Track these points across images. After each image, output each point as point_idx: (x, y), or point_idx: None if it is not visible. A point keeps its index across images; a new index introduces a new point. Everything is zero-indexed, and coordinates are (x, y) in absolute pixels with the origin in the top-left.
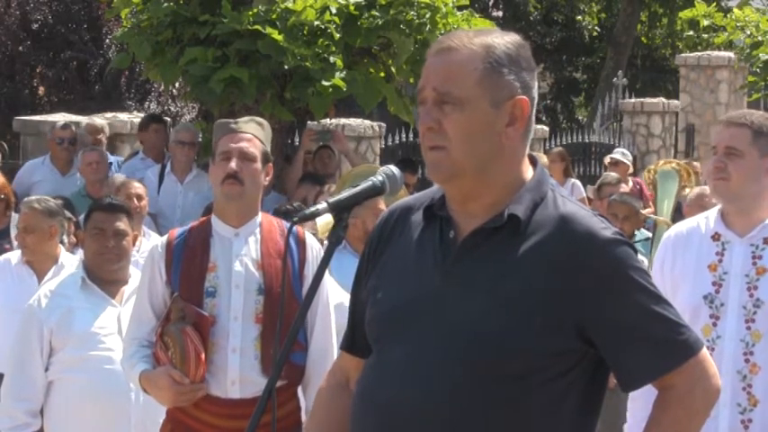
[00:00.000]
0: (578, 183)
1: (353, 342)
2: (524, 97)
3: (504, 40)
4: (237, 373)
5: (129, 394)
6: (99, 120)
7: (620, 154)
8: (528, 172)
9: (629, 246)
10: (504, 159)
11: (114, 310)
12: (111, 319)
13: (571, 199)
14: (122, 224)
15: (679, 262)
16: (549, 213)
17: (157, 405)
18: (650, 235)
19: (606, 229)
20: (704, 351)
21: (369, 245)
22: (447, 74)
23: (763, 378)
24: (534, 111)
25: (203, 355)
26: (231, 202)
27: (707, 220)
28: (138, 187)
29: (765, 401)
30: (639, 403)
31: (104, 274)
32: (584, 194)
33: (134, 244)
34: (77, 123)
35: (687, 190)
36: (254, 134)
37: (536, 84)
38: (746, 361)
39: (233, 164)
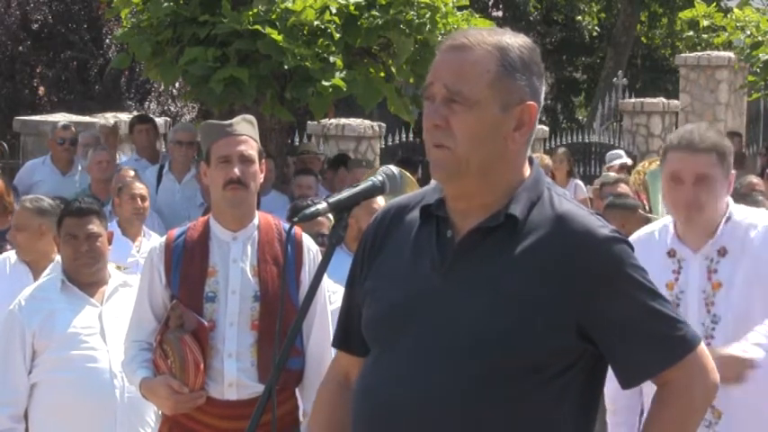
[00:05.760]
0: (581, 183)
1: (349, 342)
2: (533, 103)
3: (518, 44)
4: (234, 378)
5: (114, 391)
6: (112, 119)
7: (621, 156)
8: (526, 172)
9: (626, 243)
10: (508, 162)
11: (95, 309)
12: (93, 318)
13: (567, 197)
14: (94, 226)
15: None
16: (545, 212)
17: (143, 402)
18: None
19: (603, 228)
20: (702, 346)
21: (363, 244)
22: (459, 72)
23: (724, 391)
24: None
25: (202, 365)
26: (235, 207)
27: (660, 233)
28: (141, 188)
29: (728, 413)
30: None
31: (82, 277)
32: (587, 195)
33: (109, 243)
34: (79, 123)
35: None
36: (249, 135)
37: (543, 88)
38: None
39: (236, 169)
